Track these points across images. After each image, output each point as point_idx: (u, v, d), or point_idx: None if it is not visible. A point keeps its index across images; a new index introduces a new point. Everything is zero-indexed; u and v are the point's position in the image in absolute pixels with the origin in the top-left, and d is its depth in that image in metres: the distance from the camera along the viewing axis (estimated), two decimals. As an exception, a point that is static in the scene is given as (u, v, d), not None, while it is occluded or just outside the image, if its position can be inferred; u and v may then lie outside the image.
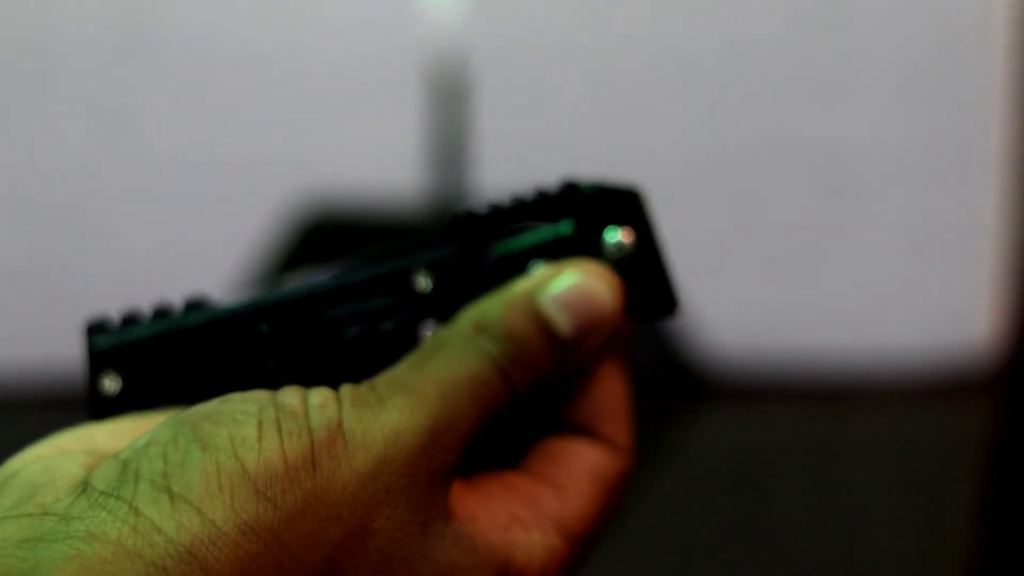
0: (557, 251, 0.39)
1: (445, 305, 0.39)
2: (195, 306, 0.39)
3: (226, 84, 1.29)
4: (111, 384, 0.39)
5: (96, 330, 0.39)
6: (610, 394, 0.40)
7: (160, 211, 1.31)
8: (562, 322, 0.38)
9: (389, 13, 1.28)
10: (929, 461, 1.19)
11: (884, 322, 1.34)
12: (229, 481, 0.31)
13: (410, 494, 0.33)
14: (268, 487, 0.32)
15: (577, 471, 0.38)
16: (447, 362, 0.36)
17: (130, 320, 0.39)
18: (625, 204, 0.41)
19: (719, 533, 1.03)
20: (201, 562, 0.30)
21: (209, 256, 1.31)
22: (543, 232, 0.40)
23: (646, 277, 0.41)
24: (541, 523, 0.36)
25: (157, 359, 0.39)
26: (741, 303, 1.33)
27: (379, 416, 0.34)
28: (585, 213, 0.40)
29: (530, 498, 0.37)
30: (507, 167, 1.29)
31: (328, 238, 1.31)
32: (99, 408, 0.38)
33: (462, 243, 0.40)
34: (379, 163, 1.30)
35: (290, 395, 0.34)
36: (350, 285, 0.39)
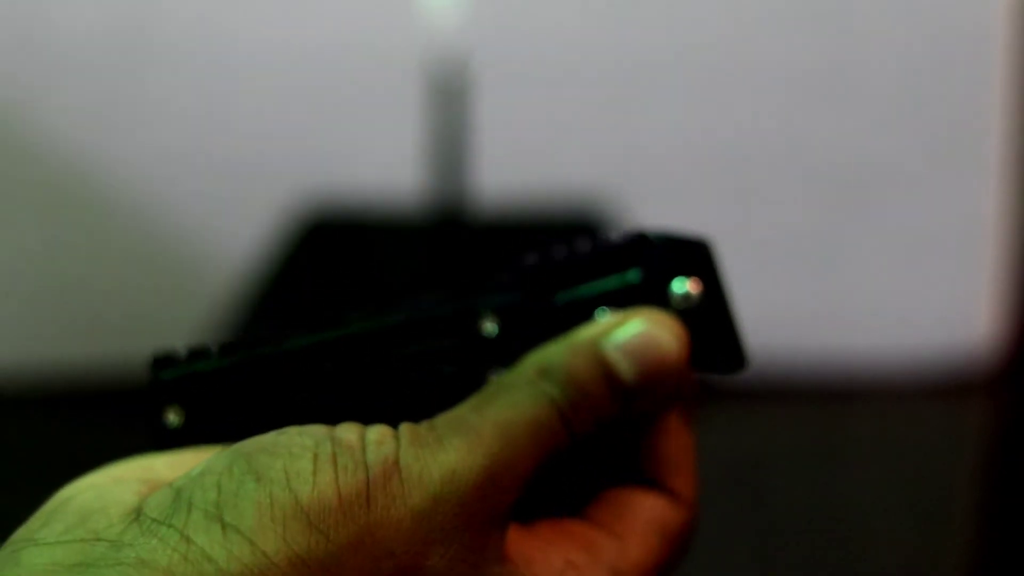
0: (624, 300, 0.39)
1: (510, 351, 0.39)
2: (260, 341, 0.39)
3: (225, 85, 1.29)
4: (174, 417, 0.39)
5: (162, 363, 0.40)
6: (674, 445, 0.40)
7: (160, 211, 1.31)
8: (625, 369, 0.37)
9: (390, 13, 1.28)
10: (929, 461, 1.19)
11: (884, 322, 1.34)
12: (282, 513, 0.31)
13: (465, 534, 0.33)
14: (321, 520, 0.32)
15: (638, 521, 0.38)
16: (508, 404, 0.35)
17: (197, 353, 0.39)
18: (693, 254, 0.40)
19: (719, 532, 1.03)
20: None
21: (209, 256, 1.31)
22: (610, 280, 0.40)
23: (713, 329, 0.41)
24: (597, 570, 0.36)
25: (221, 394, 0.39)
26: (741, 303, 1.33)
27: (436, 455, 0.33)
28: (653, 261, 0.40)
29: (588, 545, 0.37)
30: (507, 167, 1.29)
31: (329, 238, 1.31)
32: (161, 440, 0.38)
33: (530, 289, 0.40)
34: (380, 164, 1.31)
35: (347, 430, 0.34)
36: (416, 325, 0.39)
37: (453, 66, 1.27)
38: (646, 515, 0.38)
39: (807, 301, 1.33)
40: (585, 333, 0.38)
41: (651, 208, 1.31)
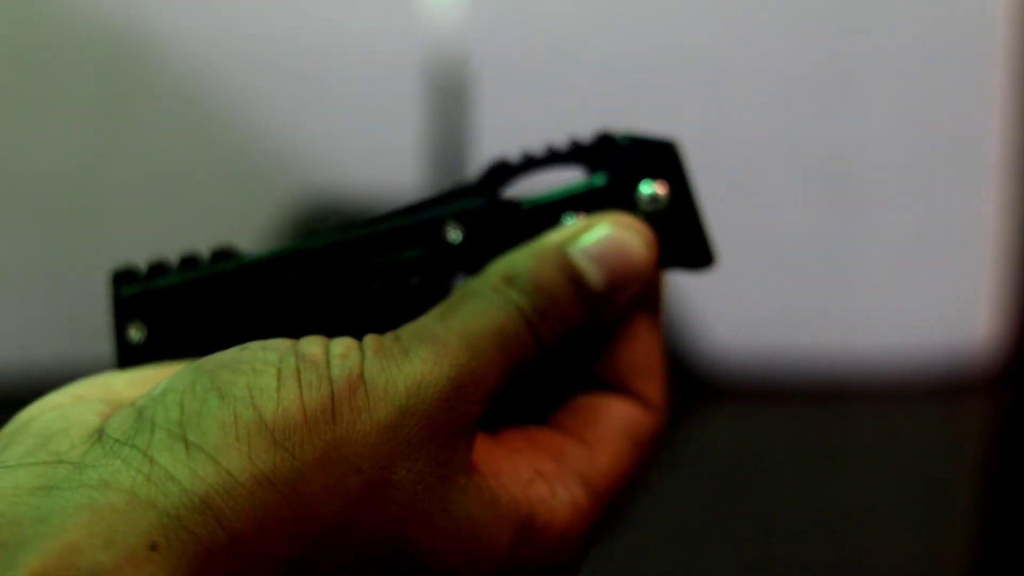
0: (590, 203, 0.39)
1: (475, 257, 0.38)
2: (222, 256, 0.38)
3: (225, 84, 1.29)
4: (136, 333, 0.38)
5: (122, 278, 0.39)
6: (643, 350, 0.39)
7: (159, 211, 1.31)
8: (593, 274, 0.37)
9: (389, 12, 1.28)
10: (929, 461, 1.19)
11: (884, 322, 1.34)
12: (246, 431, 0.31)
13: (431, 446, 0.33)
14: (286, 438, 0.31)
15: (606, 427, 0.37)
16: (474, 313, 0.35)
17: (157, 269, 0.39)
18: (660, 156, 0.40)
19: (719, 532, 1.03)
20: (216, 512, 0.30)
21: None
22: (576, 184, 0.40)
23: (681, 230, 0.40)
24: (566, 478, 0.36)
25: (183, 308, 0.38)
26: (742, 303, 1.33)
27: (402, 366, 0.33)
28: (619, 165, 0.40)
29: (556, 453, 0.36)
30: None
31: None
32: (124, 357, 0.38)
33: (493, 194, 0.39)
34: (379, 163, 1.30)
35: (311, 344, 0.33)
36: (379, 236, 0.39)
37: (453, 65, 1.27)
38: (614, 421, 0.38)
39: (806, 301, 1.33)
40: (551, 239, 0.37)
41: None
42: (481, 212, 0.39)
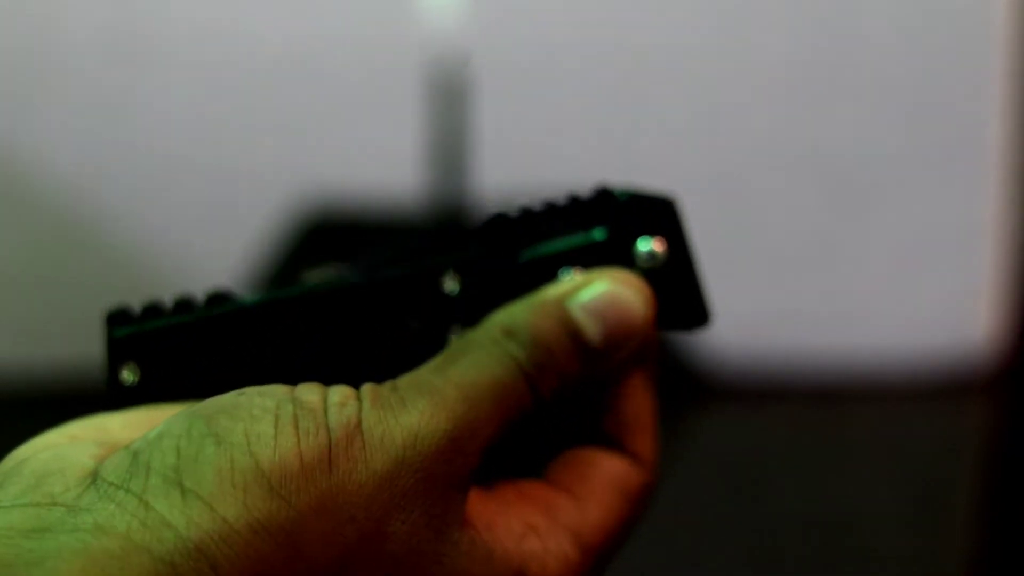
0: (588, 258, 0.39)
1: (472, 309, 0.38)
2: (218, 299, 0.38)
3: (226, 85, 1.29)
4: (129, 375, 0.38)
5: (116, 319, 0.38)
6: (636, 406, 0.39)
7: (160, 212, 1.31)
8: (591, 330, 0.37)
9: (390, 14, 1.28)
10: (929, 461, 1.19)
11: (884, 322, 1.34)
12: (243, 478, 0.31)
13: (427, 499, 0.33)
14: (282, 485, 0.31)
15: (598, 482, 0.38)
16: (472, 365, 0.35)
17: (151, 310, 0.38)
18: (659, 212, 0.40)
19: (719, 532, 1.03)
20: (211, 559, 0.30)
21: (210, 258, 1.31)
22: (575, 238, 0.40)
23: (678, 288, 0.40)
24: (557, 533, 0.36)
25: (177, 351, 0.38)
26: (742, 303, 1.33)
27: (399, 417, 0.33)
28: (618, 220, 0.40)
29: (548, 507, 0.36)
30: (509, 169, 1.29)
31: (329, 240, 1.31)
32: (117, 399, 0.37)
33: (491, 246, 0.39)
34: (380, 165, 1.30)
35: (309, 391, 0.33)
36: (377, 284, 0.39)
37: (453, 65, 1.27)
38: (606, 476, 0.38)
39: (806, 301, 1.33)
40: (550, 293, 0.37)
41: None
42: (479, 264, 0.39)
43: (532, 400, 0.35)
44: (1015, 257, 1.37)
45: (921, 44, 1.30)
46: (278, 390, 0.33)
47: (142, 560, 0.29)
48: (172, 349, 0.38)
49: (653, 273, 0.39)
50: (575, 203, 0.40)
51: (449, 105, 1.27)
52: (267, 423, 0.32)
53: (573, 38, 1.29)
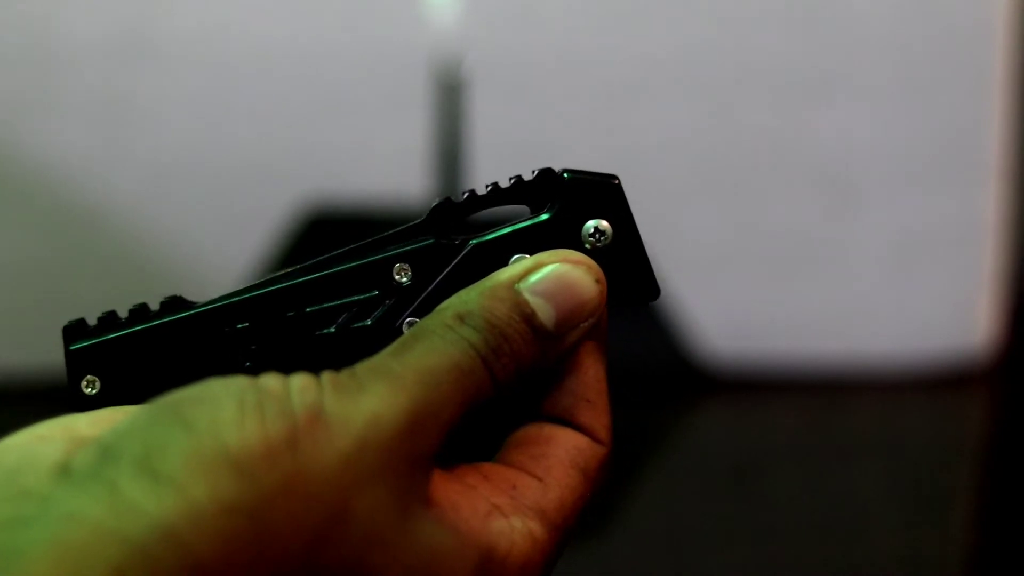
0: (536, 240, 0.40)
1: (424, 298, 0.39)
2: (172, 305, 0.39)
3: (228, 86, 1.29)
4: (89, 387, 0.39)
5: (72, 332, 0.40)
6: (588, 382, 0.40)
7: (163, 213, 1.31)
8: (544, 312, 0.38)
9: (393, 15, 1.28)
10: (928, 457, 1.20)
11: (883, 321, 1.34)
12: (211, 461, 0.31)
13: (391, 477, 0.33)
14: (250, 467, 0.32)
15: (556, 460, 0.39)
16: (428, 350, 0.36)
17: (107, 321, 0.39)
18: (603, 192, 0.41)
19: (717, 528, 1.03)
20: (182, 540, 0.30)
21: (212, 258, 1.32)
22: (521, 221, 0.40)
23: (626, 264, 0.40)
24: (522, 512, 0.37)
25: (135, 359, 0.39)
26: (741, 300, 1.33)
27: (359, 400, 0.34)
28: (564, 201, 0.40)
29: (510, 488, 0.37)
30: (509, 170, 1.29)
31: (331, 240, 1.31)
32: (80, 410, 0.38)
33: (439, 234, 0.40)
34: (383, 165, 1.31)
35: (271, 379, 0.34)
36: (329, 279, 0.39)
37: (452, 66, 1.27)
38: (564, 454, 0.38)
39: (805, 299, 1.33)
40: (501, 277, 0.38)
41: (650, 208, 1.31)
42: (428, 252, 0.40)
43: (490, 383, 0.36)
44: (1015, 257, 1.38)
45: (921, 44, 1.30)
46: (241, 379, 0.34)
47: (114, 545, 0.30)
48: (130, 358, 0.38)
49: (601, 252, 0.40)
50: (520, 186, 0.41)
51: (449, 104, 1.27)
52: (232, 409, 0.32)
53: (574, 41, 1.30)
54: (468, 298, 0.38)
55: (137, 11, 1.27)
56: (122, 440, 0.32)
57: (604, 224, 0.40)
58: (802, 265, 1.33)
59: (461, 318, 0.37)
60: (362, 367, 0.35)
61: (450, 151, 1.28)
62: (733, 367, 1.32)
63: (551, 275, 0.38)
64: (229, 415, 0.32)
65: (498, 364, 0.36)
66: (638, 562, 0.98)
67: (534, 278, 0.38)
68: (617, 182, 0.41)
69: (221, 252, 1.31)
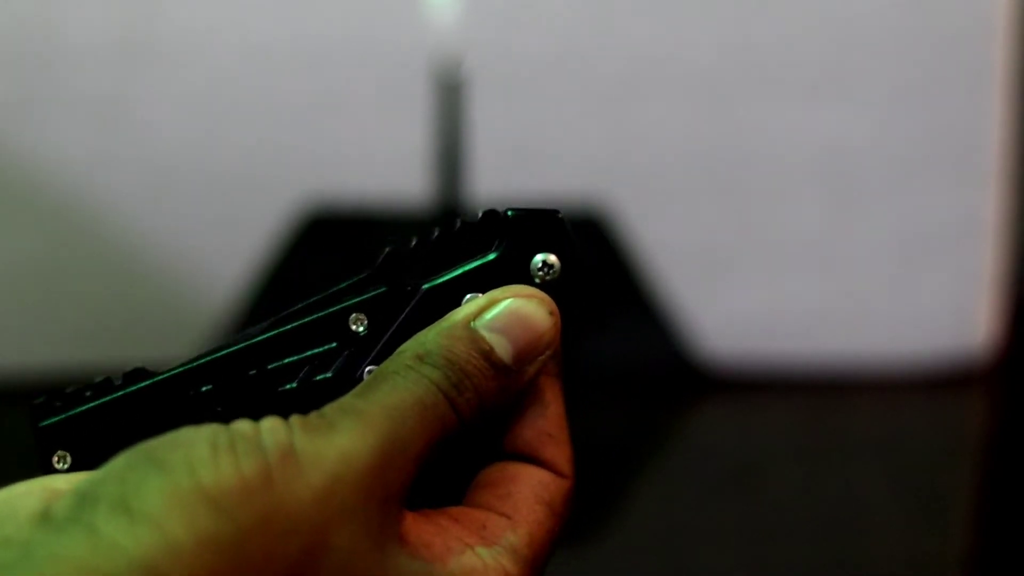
0: (487, 279, 0.41)
1: (382, 345, 0.40)
2: (135, 375, 0.40)
3: (228, 86, 1.29)
4: (60, 462, 0.40)
5: (40, 410, 0.40)
6: (550, 416, 0.41)
7: (163, 212, 1.31)
8: (501, 347, 0.38)
9: (393, 15, 1.28)
10: (928, 457, 1.20)
11: (882, 321, 1.34)
12: (187, 498, 0.32)
13: (365, 512, 0.34)
14: (225, 502, 0.32)
15: (522, 498, 0.39)
16: (392, 389, 0.36)
17: (73, 397, 0.40)
18: (547, 226, 0.42)
19: (717, 528, 1.03)
20: (161, 574, 0.31)
21: (212, 257, 1.32)
22: (471, 262, 0.41)
23: (574, 293, 0.41)
24: (494, 550, 0.37)
25: (102, 431, 0.40)
26: (741, 300, 1.33)
27: (329, 438, 0.34)
28: (510, 239, 0.41)
29: (480, 528, 0.38)
30: (510, 170, 1.29)
31: (332, 240, 1.31)
32: None
33: (391, 282, 0.41)
34: (383, 166, 1.31)
35: (241, 423, 0.35)
36: (286, 335, 0.40)
37: (452, 66, 1.27)
38: (529, 491, 0.39)
39: (805, 300, 1.33)
40: (456, 317, 0.39)
41: (650, 208, 1.31)
42: (383, 300, 0.40)
43: (455, 418, 0.37)
44: (1014, 257, 1.38)
45: (920, 43, 1.30)
46: (212, 425, 0.35)
47: None
48: (98, 430, 0.39)
49: (551, 285, 0.40)
50: (466, 228, 0.41)
51: (448, 105, 1.27)
52: (205, 449, 0.33)
53: (574, 42, 1.30)
54: (426, 339, 0.38)
55: (136, 11, 1.27)
56: (98, 485, 0.33)
57: (552, 258, 0.41)
58: (802, 265, 1.33)
59: (420, 358, 0.37)
60: (329, 408, 0.36)
61: (450, 151, 1.29)
62: (733, 367, 1.32)
63: (505, 311, 0.39)
64: (203, 455, 0.33)
65: (461, 399, 0.37)
66: (638, 562, 0.98)
67: (489, 315, 0.38)
68: (560, 215, 0.42)
69: (221, 252, 1.31)
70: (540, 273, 0.41)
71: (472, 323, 0.38)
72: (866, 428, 1.27)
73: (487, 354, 0.38)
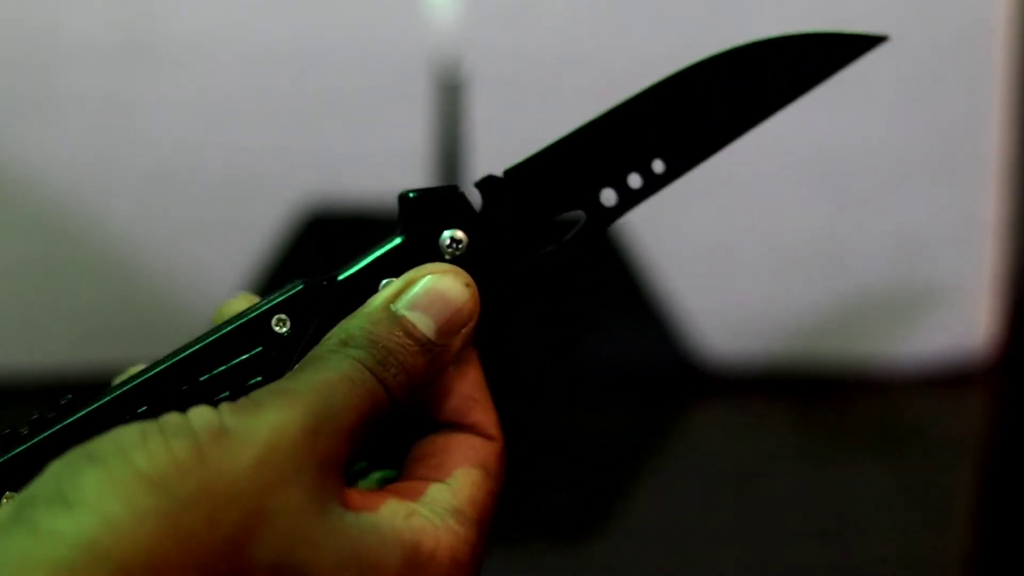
0: (400, 262, 0.42)
1: (307, 341, 0.41)
2: (69, 407, 0.41)
3: (227, 86, 1.29)
4: (7, 502, 0.40)
5: None
6: (471, 382, 0.43)
7: (161, 213, 1.31)
8: (424, 324, 0.39)
9: (393, 15, 1.28)
10: (928, 457, 1.20)
11: (883, 320, 1.34)
12: (122, 481, 0.33)
13: (303, 478, 0.35)
14: (161, 480, 0.33)
15: (457, 464, 0.41)
16: (318, 369, 0.37)
17: (8, 438, 0.41)
18: (447, 202, 0.43)
19: (717, 528, 1.03)
20: (104, 550, 0.32)
21: (211, 257, 1.32)
22: (381, 247, 0.42)
23: (487, 265, 0.43)
24: (439, 513, 0.39)
25: (38, 469, 0.40)
26: (741, 299, 1.33)
27: (259, 415, 0.35)
28: (414, 219, 0.43)
29: (422, 496, 0.39)
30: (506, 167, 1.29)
31: (332, 240, 1.31)
32: None
33: (306, 278, 0.42)
34: (382, 166, 1.31)
35: (170, 414, 0.36)
36: (213, 346, 0.41)
37: (452, 66, 1.28)
38: (462, 456, 0.40)
39: (805, 300, 1.33)
40: (376, 302, 0.40)
41: (650, 207, 1.31)
42: (301, 297, 0.41)
43: (385, 395, 0.37)
44: (1014, 257, 1.38)
45: (920, 43, 1.30)
46: (140, 421, 0.35)
47: (42, 570, 0.31)
48: (40, 466, 0.40)
49: (461, 259, 0.43)
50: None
51: (452, 105, 1.27)
52: (135, 436, 0.34)
53: (575, 43, 1.30)
54: (348, 325, 0.39)
55: (137, 12, 1.27)
56: (35, 487, 0.34)
57: (458, 233, 0.43)
58: (802, 265, 1.33)
59: (345, 343, 0.38)
60: (258, 392, 0.37)
61: (450, 151, 1.29)
62: (733, 367, 1.32)
63: (422, 289, 0.40)
64: (133, 441, 0.34)
65: (388, 375, 0.38)
66: (638, 562, 0.98)
67: (407, 295, 0.40)
68: (459, 191, 0.44)
69: (221, 251, 1.31)
70: (450, 249, 0.42)
71: (392, 305, 0.39)
72: (866, 428, 1.27)
73: (409, 332, 0.39)
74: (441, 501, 0.38)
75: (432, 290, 0.40)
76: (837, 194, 1.32)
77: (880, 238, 1.33)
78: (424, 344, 0.39)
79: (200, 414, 0.35)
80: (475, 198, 0.45)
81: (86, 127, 1.29)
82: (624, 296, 1.33)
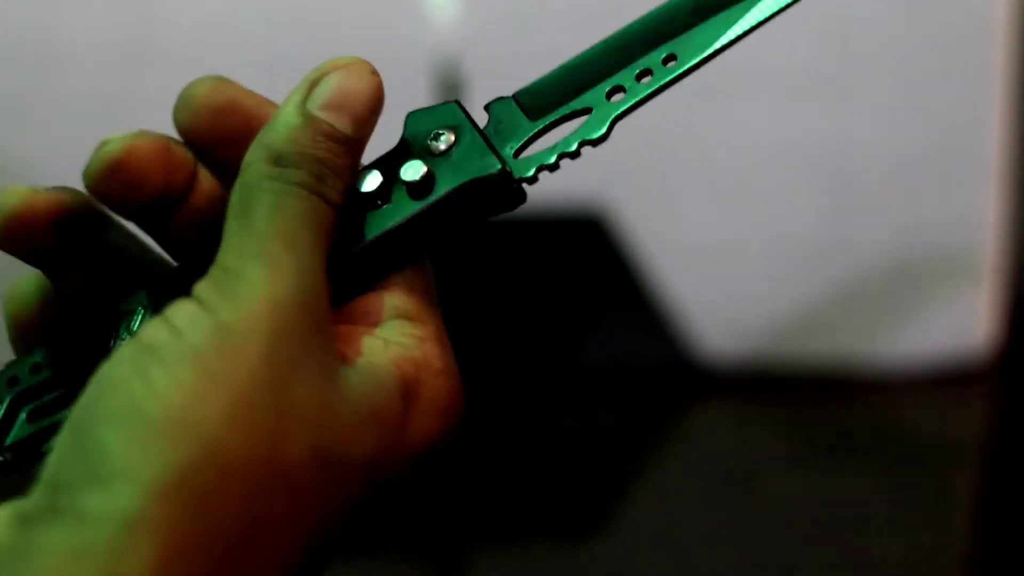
0: (395, 159, 0.41)
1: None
2: None
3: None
4: (30, 499, 0.40)
5: None
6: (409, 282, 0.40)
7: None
8: (341, 122, 0.38)
9: (393, 15, 1.28)
10: (928, 457, 1.20)
11: (883, 320, 1.34)
12: (141, 436, 0.31)
13: (311, 358, 0.34)
14: (180, 419, 0.32)
15: (415, 303, 0.38)
16: (271, 211, 0.35)
17: None
18: (444, 115, 0.43)
19: (717, 528, 1.03)
20: (154, 519, 0.31)
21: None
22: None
23: (477, 159, 0.42)
24: (404, 332, 0.37)
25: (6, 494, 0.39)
26: (742, 300, 1.33)
27: (250, 296, 0.33)
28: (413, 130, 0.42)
29: (379, 318, 0.38)
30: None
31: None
32: None
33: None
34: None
35: (149, 330, 0.34)
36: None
37: (452, 66, 1.27)
38: (405, 290, 0.39)
39: (805, 300, 1.33)
40: (287, 108, 0.39)
41: (651, 207, 1.31)
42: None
43: (331, 211, 0.37)
44: (1014, 257, 1.38)
45: (921, 43, 1.30)
46: (124, 349, 0.33)
47: (92, 558, 0.30)
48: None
49: (448, 154, 0.41)
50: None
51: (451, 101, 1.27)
52: (129, 374, 0.32)
53: (573, 39, 1.29)
54: (268, 140, 0.38)
55: (137, 12, 1.27)
56: (60, 469, 0.32)
57: (452, 136, 0.42)
58: (803, 265, 1.33)
59: (275, 162, 0.37)
60: (224, 257, 0.35)
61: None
62: (733, 367, 1.32)
63: (331, 86, 0.39)
64: (133, 385, 0.32)
65: (328, 189, 0.37)
66: (638, 562, 0.98)
67: (317, 95, 0.39)
68: (459, 102, 0.43)
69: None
70: (435, 144, 0.41)
71: (306, 107, 0.38)
72: (865, 427, 1.27)
73: (330, 134, 0.38)
74: (405, 332, 0.37)
75: (340, 85, 0.39)
76: (837, 194, 1.32)
77: (880, 238, 1.33)
78: (345, 143, 0.38)
79: (184, 314, 0.33)
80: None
81: (86, 127, 1.29)
82: (624, 296, 1.33)
